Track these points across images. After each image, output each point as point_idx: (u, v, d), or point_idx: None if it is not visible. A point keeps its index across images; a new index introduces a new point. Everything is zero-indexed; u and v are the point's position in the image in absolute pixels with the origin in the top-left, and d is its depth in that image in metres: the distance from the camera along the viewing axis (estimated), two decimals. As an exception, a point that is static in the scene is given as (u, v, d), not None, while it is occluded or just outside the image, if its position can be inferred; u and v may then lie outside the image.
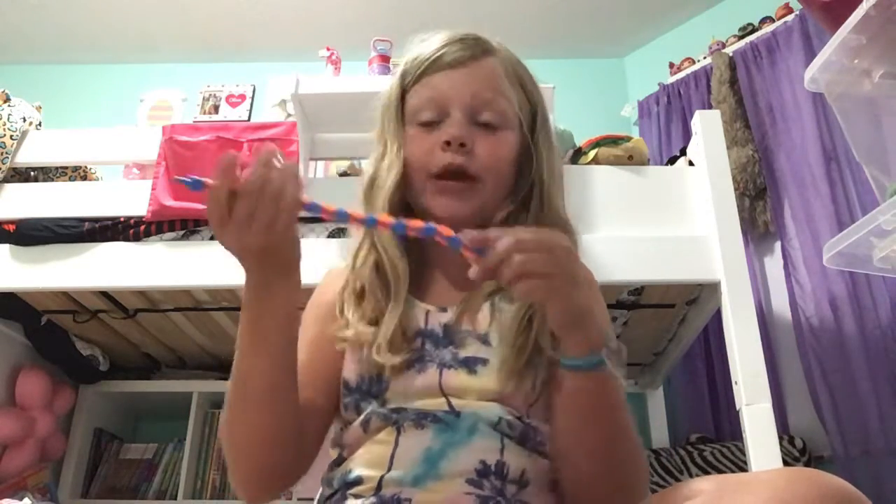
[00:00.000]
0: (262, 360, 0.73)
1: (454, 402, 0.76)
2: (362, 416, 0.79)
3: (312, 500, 0.84)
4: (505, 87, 0.88)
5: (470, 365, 0.78)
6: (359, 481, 0.75)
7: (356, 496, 0.74)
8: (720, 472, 2.09)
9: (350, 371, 0.82)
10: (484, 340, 0.80)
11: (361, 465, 0.76)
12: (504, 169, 0.87)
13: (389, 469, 0.74)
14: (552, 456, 0.77)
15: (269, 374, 0.74)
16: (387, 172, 0.87)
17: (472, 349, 0.80)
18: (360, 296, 0.85)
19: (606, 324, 0.72)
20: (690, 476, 2.10)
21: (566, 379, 0.72)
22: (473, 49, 0.88)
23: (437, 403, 0.76)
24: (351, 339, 0.82)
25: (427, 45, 0.90)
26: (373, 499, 0.72)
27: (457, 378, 0.78)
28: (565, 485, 0.77)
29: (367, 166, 0.92)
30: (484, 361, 0.79)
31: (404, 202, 0.88)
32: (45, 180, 2.09)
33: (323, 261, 0.97)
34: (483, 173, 0.85)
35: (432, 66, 0.88)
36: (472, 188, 0.85)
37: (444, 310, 0.84)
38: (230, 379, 0.75)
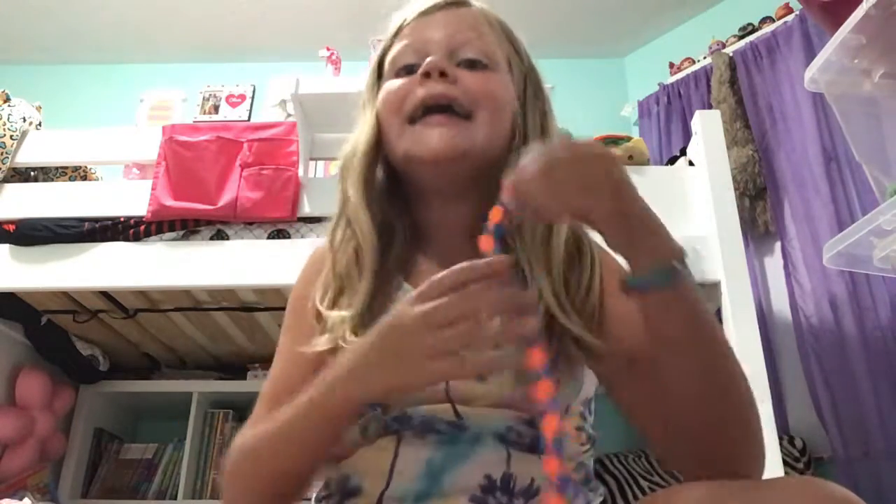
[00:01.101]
0: (303, 454, 0.67)
1: (461, 409, 0.69)
2: (360, 421, 0.71)
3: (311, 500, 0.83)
4: (488, 32, 0.81)
5: None
6: (357, 492, 0.70)
7: None
8: (720, 472, 2.08)
9: None
10: None
11: (360, 474, 0.71)
12: (498, 107, 0.77)
13: (389, 482, 0.68)
14: (654, 394, 0.67)
15: (300, 466, 0.68)
16: (361, 135, 0.79)
17: None
18: (339, 277, 0.77)
19: (670, 238, 0.64)
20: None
21: (643, 304, 0.63)
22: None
23: (442, 409, 0.70)
24: (328, 347, 0.72)
25: (402, 10, 0.85)
26: None
27: (464, 385, 0.70)
28: (675, 423, 0.66)
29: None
30: None
31: (386, 172, 0.81)
32: (45, 180, 2.09)
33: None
34: (472, 106, 0.75)
35: (407, 20, 0.83)
36: (464, 123, 0.75)
37: None
38: (276, 427, 0.67)
